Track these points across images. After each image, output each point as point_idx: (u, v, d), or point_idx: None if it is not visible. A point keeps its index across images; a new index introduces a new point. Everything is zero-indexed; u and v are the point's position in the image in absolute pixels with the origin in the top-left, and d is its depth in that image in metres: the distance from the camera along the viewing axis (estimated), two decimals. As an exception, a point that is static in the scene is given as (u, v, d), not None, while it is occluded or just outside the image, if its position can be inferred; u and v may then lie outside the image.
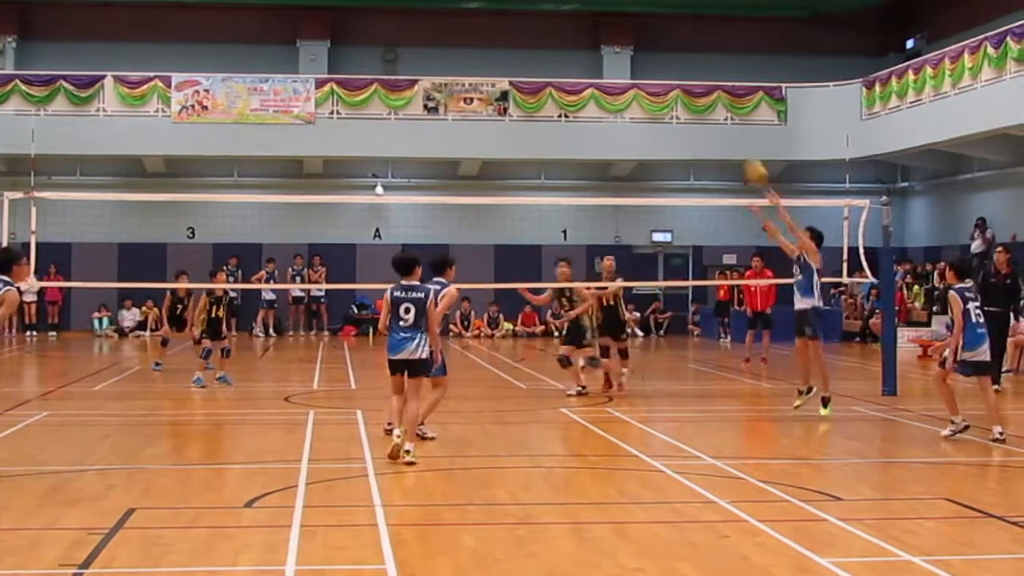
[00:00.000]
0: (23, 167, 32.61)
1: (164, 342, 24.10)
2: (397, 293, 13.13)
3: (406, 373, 13.09)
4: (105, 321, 37.01)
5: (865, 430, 15.96)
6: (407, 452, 12.70)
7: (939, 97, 32.33)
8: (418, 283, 13.26)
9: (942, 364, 14.92)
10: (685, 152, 37.32)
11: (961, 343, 14.49)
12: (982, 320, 14.61)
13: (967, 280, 15.01)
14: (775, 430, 15.69)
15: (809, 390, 16.93)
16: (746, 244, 36.93)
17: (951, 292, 14.75)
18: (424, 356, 13.06)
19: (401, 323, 13.03)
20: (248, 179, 37.94)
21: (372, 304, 36.27)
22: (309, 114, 36.11)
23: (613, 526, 9.74)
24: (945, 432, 14.66)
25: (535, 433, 16.09)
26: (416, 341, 12.99)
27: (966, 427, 14.60)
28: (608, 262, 21.40)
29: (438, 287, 13.91)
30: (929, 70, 32.68)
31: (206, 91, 35.81)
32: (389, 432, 13.78)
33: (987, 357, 14.71)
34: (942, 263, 15.40)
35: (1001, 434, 14.32)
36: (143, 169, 37.56)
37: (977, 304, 14.64)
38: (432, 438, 14.20)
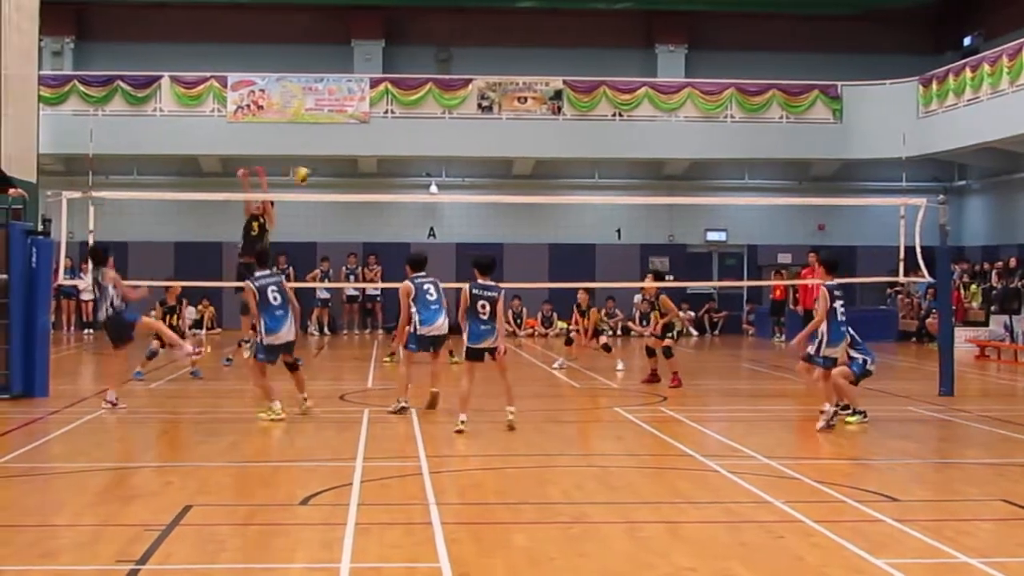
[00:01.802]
0: (81, 167, 32.89)
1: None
2: (476, 291, 14.93)
3: (485, 357, 15.10)
4: (161, 319, 37.21)
5: (921, 431, 15.87)
6: (511, 413, 15.13)
7: (997, 95, 32.07)
8: (492, 283, 15.16)
9: (806, 359, 15.67)
10: (740, 151, 37.18)
11: (826, 339, 15.24)
12: (844, 319, 15.31)
13: (835, 277, 15.74)
14: (830, 430, 15.59)
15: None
16: (801, 243, 36.82)
17: (822, 288, 15.38)
18: (497, 344, 15.03)
19: (481, 316, 14.94)
20: (302, 178, 38.08)
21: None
22: (363, 113, 36.26)
23: (666, 526, 9.73)
24: (820, 424, 15.28)
25: (588, 432, 16.09)
26: (493, 333, 14.99)
27: (835, 415, 15.34)
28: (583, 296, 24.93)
29: (278, 278, 16.50)
30: (987, 67, 32.43)
31: (261, 91, 36.04)
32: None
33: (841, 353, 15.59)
34: (812, 255, 16.27)
35: (834, 415, 15.30)
36: (199, 168, 37.82)
37: (843, 303, 15.33)
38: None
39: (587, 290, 25.38)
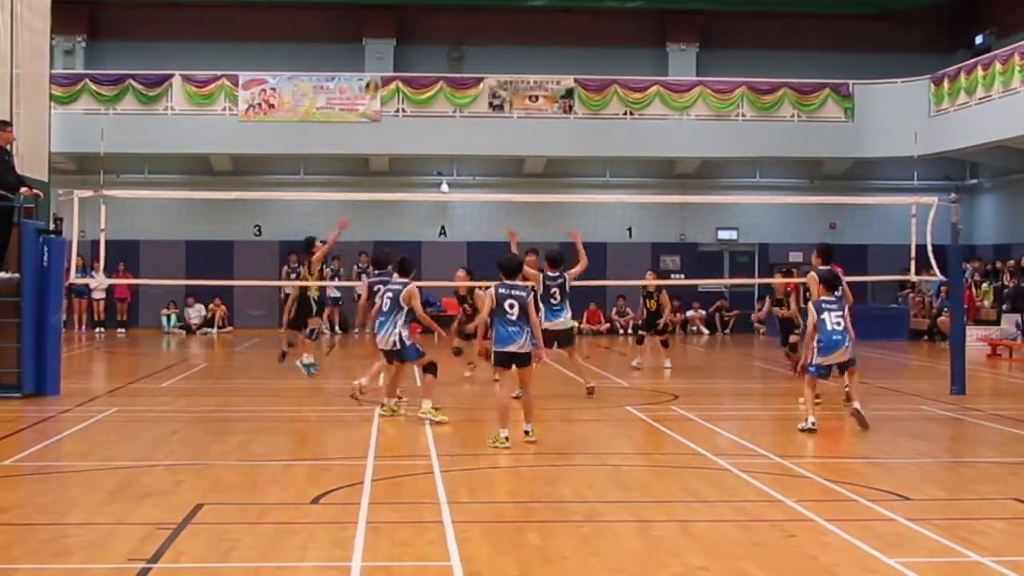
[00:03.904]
0: (92, 165, 32.95)
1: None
2: (502, 290, 14.01)
3: (513, 365, 13.99)
4: (172, 318, 37.34)
5: (933, 429, 15.84)
6: (527, 432, 13.98)
7: (1008, 93, 32.01)
8: (520, 282, 14.29)
9: (806, 368, 15.63)
10: (751, 149, 37.15)
11: (816, 349, 15.29)
12: (840, 327, 15.24)
13: (833, 292, 15.66)
14: (842, 429, 15.59)
15: None
16: (813, 242, 36.66)
17: (809, 304, 15.82)
18: (529, 349, 13.95)
19: (508, 317, 13.89)
20: (314, 177, 38.15)
21: (437, 301, 36.37)
22: (375, 112, 36.26)
23: (678, 525, 9.71)
24: (801, 425, 15.23)
25: (601, 431, 16.07)
26: (522, 336, 13.88)
27: (814, 428, 15.15)
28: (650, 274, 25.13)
29: (398, 287, 15.81)
30: (998, 66, 32.37)
31: (272, 90, 36.05)
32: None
33: (846, 357, 15.32)
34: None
35: (858, 410, 15.17)
36: (210, 167, 37.86)
37: (839, 313, 15.30)
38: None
39: (656, 273, 25.79)
